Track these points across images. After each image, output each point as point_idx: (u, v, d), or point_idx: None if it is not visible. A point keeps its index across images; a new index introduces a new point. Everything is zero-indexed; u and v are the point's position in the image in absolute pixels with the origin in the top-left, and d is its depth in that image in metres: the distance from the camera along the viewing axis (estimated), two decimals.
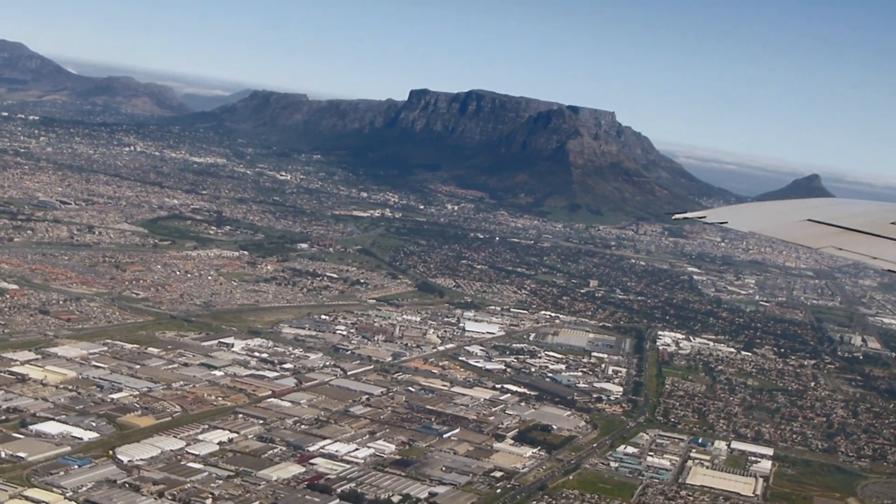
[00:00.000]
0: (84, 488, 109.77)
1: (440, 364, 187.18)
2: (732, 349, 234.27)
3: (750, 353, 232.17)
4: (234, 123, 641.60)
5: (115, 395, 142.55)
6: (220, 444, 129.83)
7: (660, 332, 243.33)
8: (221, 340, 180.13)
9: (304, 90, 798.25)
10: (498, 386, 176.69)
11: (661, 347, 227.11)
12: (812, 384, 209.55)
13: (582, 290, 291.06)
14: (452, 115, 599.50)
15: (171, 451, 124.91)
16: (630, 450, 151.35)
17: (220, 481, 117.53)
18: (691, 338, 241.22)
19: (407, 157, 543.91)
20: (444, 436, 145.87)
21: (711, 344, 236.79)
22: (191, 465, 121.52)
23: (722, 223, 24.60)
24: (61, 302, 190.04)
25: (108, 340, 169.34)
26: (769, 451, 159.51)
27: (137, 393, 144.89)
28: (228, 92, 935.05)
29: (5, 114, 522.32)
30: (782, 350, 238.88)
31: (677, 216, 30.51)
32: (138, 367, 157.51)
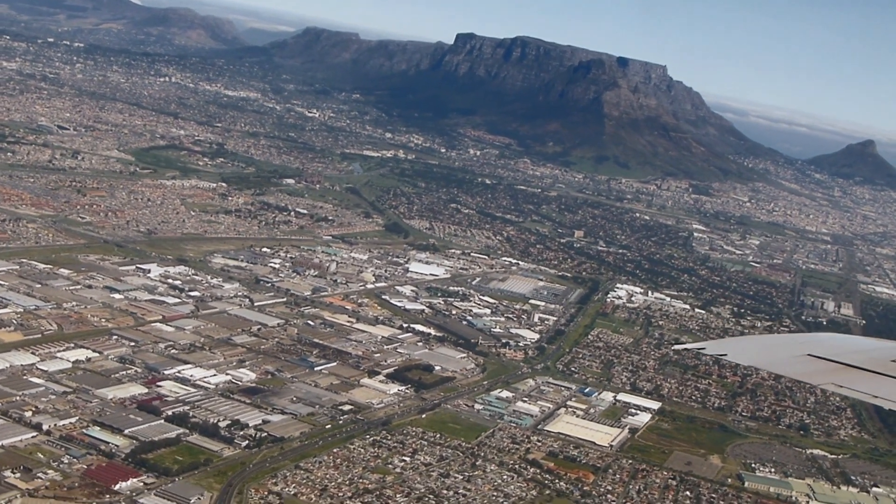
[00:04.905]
0: None
1: (358, 301, 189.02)
2: (688, 306, 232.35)
3: (704, 311, 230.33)
4: (282, 59, 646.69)
5: None
6: (74, 362, 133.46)
7: (619, 285, 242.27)
8: (139, 266, 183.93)
9: (358, 28, 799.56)
10: (405, 325, 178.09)
11: (609, 299, 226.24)
12: None
13: (562, 240, 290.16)
14: (496, 61, 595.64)
15: (21, 366, 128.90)
16: (505, 394, 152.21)
17: (54, 396, 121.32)
18: (649, 292, 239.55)
19: (445, 101, 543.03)
20: (316, 368, 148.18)
21: (668, 300, 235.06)
22: (33, 380, 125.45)
23: (721, 356, 23.77)
24: None
25: (24, 260, 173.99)
26: (655, 406, 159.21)
27: (21, 310, 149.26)
28: (293, 28, 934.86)
29: (51, 39, 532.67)
30: (741, 310, 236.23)
31: (677, 347, 32.68)
32: (39, 286, 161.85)
